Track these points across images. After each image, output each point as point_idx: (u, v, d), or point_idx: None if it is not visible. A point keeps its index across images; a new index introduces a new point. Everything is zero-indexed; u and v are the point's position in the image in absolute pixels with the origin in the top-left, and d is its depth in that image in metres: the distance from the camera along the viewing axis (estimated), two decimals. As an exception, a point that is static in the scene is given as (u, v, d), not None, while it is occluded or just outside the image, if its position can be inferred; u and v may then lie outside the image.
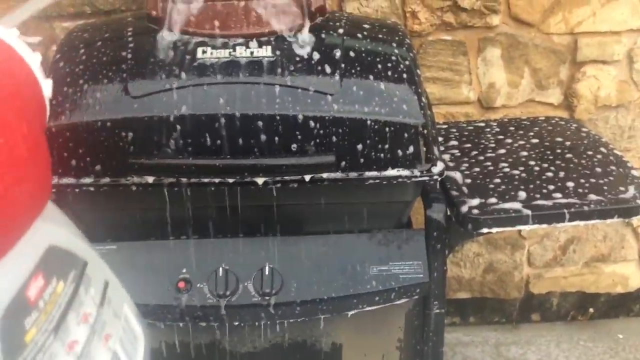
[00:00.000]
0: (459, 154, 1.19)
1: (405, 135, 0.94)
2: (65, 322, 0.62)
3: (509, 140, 1.24)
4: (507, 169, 1.12)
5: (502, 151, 1.19)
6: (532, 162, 1.14)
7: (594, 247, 1.79)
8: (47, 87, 0.71)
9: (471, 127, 1.33)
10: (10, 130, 0.58)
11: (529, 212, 1.00)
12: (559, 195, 1.04)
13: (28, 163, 0.60)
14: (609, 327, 1.85)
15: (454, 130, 1.31)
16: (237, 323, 1.02)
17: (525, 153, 1.18)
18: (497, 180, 1.08)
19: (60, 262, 0.65)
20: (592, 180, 1.08)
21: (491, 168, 1.13)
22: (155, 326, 1.00)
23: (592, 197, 1.03)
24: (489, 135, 1.28)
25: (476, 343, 1.79)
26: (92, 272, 0.70)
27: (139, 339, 0.77)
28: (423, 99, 0.97)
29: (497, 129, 1.31)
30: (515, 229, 1.02)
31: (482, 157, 1.17)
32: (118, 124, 0.91)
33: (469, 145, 1.23)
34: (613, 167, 1.12)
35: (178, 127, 0.90)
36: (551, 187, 1.06)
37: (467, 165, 1.15)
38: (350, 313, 1.02)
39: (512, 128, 1.31)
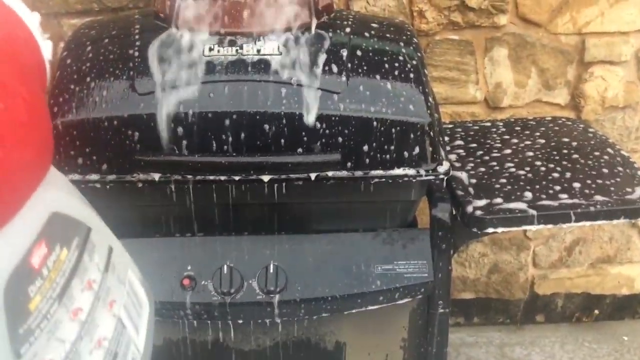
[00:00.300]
0: (464, 154, 1.19)
1: (412, 134, 0.94)
2: (70, 289, 0.61)
3: (515, 140, 1.24)
4: (513, 169, 1.12)
5: (508, 151, 1.19)
6: (538, 163, 1.14)
7: (599, 248, 1.79)
8: (46, 48, 0.69)
9: (477, 127, 1.33)
10: (10, 94, 0.57)
11: (534, 212, 1.00)
12: (564, 195, 1.03)
13: (28, 127, 0.58)
14: (614, 328, 1.84)
15: (460, 129, 1.31)
16: (241, 321, 1.02)
17: (531, 153, 1.18)
18: (503, 180, 1.08)
19: (63, 228, 0.64)
20: (599, 180, 1.07)
21: (497, 168, 1.13)
22: (160, 323, 1.01)
23: (598, 197, 1.03)
24: (494, 135, 1.27)
25: (480, 344, 1.78)
26: (96, 238, 0.69)
27: (143, 304, 0.76)
28: (430, 99, 0.97)
29: (503, 129, 1.30)
30: (521, 229, 1.02)
31: (487, 157, 1.17)
32: (124, 121, 0.91)
33: (474, 145, 1.23)
34: (620, 168, 1.11)
35: (184, 124, 0.90)
36: (557, 187, 1.06)
37: (472, 165, 1.14)
38: (354, 312, 1.02)
39: (518, 128, 1.30)
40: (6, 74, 0.58)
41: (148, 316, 0.76)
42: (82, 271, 0.64)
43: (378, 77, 0.96)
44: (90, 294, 0.65)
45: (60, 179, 0.71)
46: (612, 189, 1.05)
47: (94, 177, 0.94)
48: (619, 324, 1.86)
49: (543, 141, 1.23)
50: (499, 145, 1.22)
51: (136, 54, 0.96)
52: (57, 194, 0.66)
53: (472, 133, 1.29)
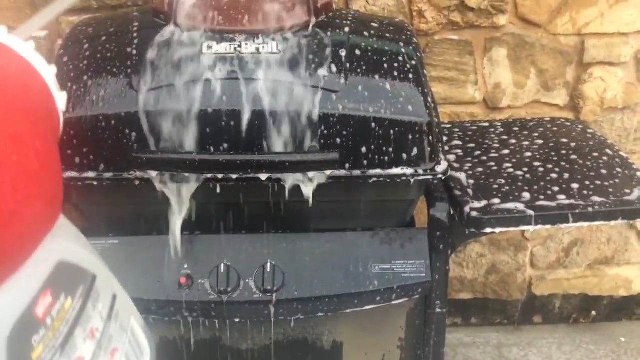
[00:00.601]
0: (462, 154, 1.19)
1: (410, 133, 0.94)
2: (72, 338, 0.62)
3: (514, 141, 1.24)
4: (511, 170, 1.12)
5: (506, 152, 1.19)
6: (536, 163, 1.14)
7: (597, 249, 1.79)
8: (61, 100, 0.70)
9: (475, 127, 1.32)
10: (23, 146, 0.57)
11: (532, 212, 0.99)
12: (563, 196, 1.03)
13: (40, 179, 0.59)
14: (611, 330, 1.84)
15: (458, 130, 1.30)
16: (238, 320, 1.01)
17: (529, 154, 1.18)
18: (501, 181, 1.08)
19: (69, 277, 0.64)
20: (597, 182, 1.07)
21: (495, 168, 1.12)
22: (156, 321, 1.00)
23: (597, 198, 1.02)
24: (493, 136, 1.27)
25: (478, 344, 1.78)
26: (101, 285, 0.69)
27: (145, 351, 0.77)
28: (429, 98, 0.97)
29: (501, 130, 1.30)
30: (519, 229, 1.02)
31: (485, 158, 1.17)
32: (122, 118, 0.91)
33: (472, 145, 1.23)
34: (618, 169, 1.11)
35: (181, 122, 0.90)
36: (555, 188, 1.06)
37: (470, 165, 1.14)
38: (351, 311, 1.02)
39: (516, 128, 1.30)
40: (21, 125, 0.58)
41: None
42: (86, 320, 0.65)
43: (377, 76, 0.96)
44: (92, 343, 0.65)
45: (67, 225, 0.72)
46: (610, 190, 1.05)
47: (91, 174, 0.93)
48: (616, 326, 1.86)
49: (541, 142, 1.23)
50: (497, 145, 1.22)
51: (134, 51, 0.95)
52: (64, 242, 0.66)
53: (470, 133, 1.29)
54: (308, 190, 0.92)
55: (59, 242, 0.64)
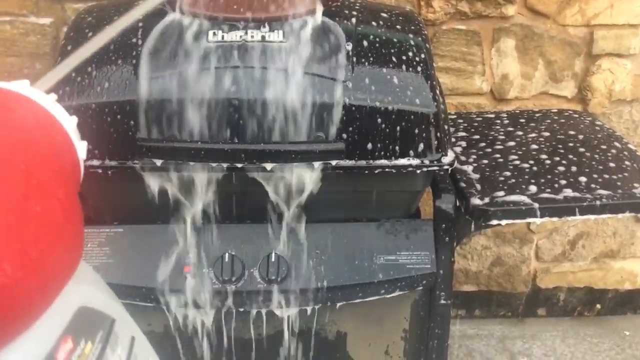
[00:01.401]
0: (466, 145, 1.18)
1: (417, 124, 0.93)
2: None
3: (520, 133, 1.23)
4: (517, 162, 1.11)
5: (512, 143, 1.18)
6: (543, 156, 1.13)
7: (603, 242, 1.78)
8: (82, 149, 0.71)
9: (480, 119, 1.31)
10: (47, 196, 0.59)
11: (538, 205, 0.99)
12: (569, 189, 1.03)
13: (63, 228, 0.60)
14: (615, 323, 1.84)
15: (462, 121, 1.30)
16: (242, 309, 1.01)
17: (535, 146, 1.17)
18: (507, 173, 1.07)
19: (89, 322, 0.66)
20: (604, 174, 1.06)
21: (501, 160, 1.12)
22: (160, 310, 1.00)
23: (604, 191, 1.02)
24: (498, 127, 1.26)
25: (481, 336, 1.78)
26: (119, 329, 0.71)
27: None
28: (436, 89, 0.96)
29: (507, 121, 1.29)
30: (525, 221, 1.01)
31: (490, 149, 1.16)
32: (126, 106, 0.91)
33: (477, 136, 1.22)
34: (627, 162, 1.10)
35: (186, 110, 0.90)
36: (562, 180, 1.05)
37: (476, 157, 1.13)
38: (355, 302, 1.01)
39: (522, 120, 1.29)
40: (44, 176, 0.60)
41: None
42: None
43: (384, 66, 0.95)
44: None
45: (87, 270, 0.74)
46: (618, 183, 1.04)
47: (96, 162, 0.93)
48: (620, 319, 1.86)
49: (548, 134, 1.22)
50: (503, 137, 1.21)
51: (139, 39, 0.95)
52: (85, 287, 0.68)
53: (475, 124, 1.28)
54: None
55: (79, 287, 0.65)
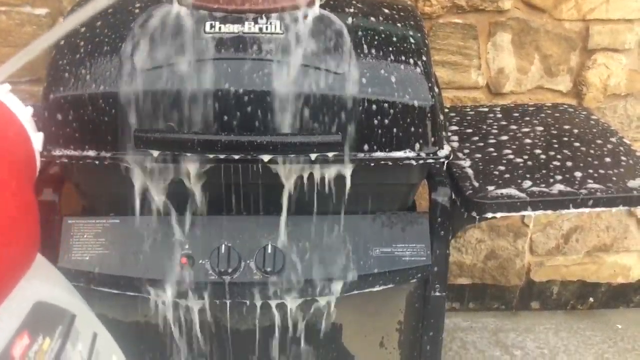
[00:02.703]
0: (458, 139, 1.18)
1: (413, 117, 0.93)
2: None
3: (514, 127, 1.23)
4: (512, 156, 1.11)
5: (506, 137, 1.18)
6: (537, 150, 1.13)
7: (596, 236, 1.79)
8: (37, 140, 0.69)
9: (473, 112, 1.32)
10: None
11: (533, 198, 0.99)
12: (564, 182, 1.03)
13: (16, 222, 0.59)
14: (608, 317, 1.85)
15: (454, 114, 1.30)
16: (238, 300, 1.02)
17: (529, 140, 1.17)
18: (501, 167, 1.07)
19: (47, 318, 0.64)
20: (600, 169, 1.07)
21: (495, 154, 1.12)
22: (157, 301, 1.01)
23: (598, 185, 1.02)
24: (491, 121, 1.27)
25: (475, 329, 1.79)
26: (81, 325, 0.69)
27: None
28: (433, 82, 0.96)
29: (501, 115, 1.29)
30: (520, 214, 1.02)
31: (483, 143, 1.16)
32: (122, 97, 0.90)
33: (470, 130, 1.22)
34: (623, 158, 1.11)
35: (183, 101, 0.89)
36: (557, 174, 1.05)
37: (471, 150, 1.14)
38: (351, 294, 1.02)
39: (516, 114, 1.30)
40: None
41: None
42: None
43: (381, 58, 0.95)
44: None
45: (46, 266, 0.71)
46: (614, 178, 1.04)
47: (92, 153, 0.93)
48: (613, 313, 1.87)
49: (542, 128, 1.22)
50: (497, 131, 1.22)
51: (136, 30, 0.94)
52: (41, 282, 0.66)
53: (468, 118, 1.28)
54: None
55: (35, 283, 0.63)
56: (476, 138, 1.19)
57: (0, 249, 0.56)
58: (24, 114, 0.68)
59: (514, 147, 1.14)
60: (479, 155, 1.11)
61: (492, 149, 1.14)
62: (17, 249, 0.59)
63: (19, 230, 0.60)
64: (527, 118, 1.28)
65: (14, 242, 0.59)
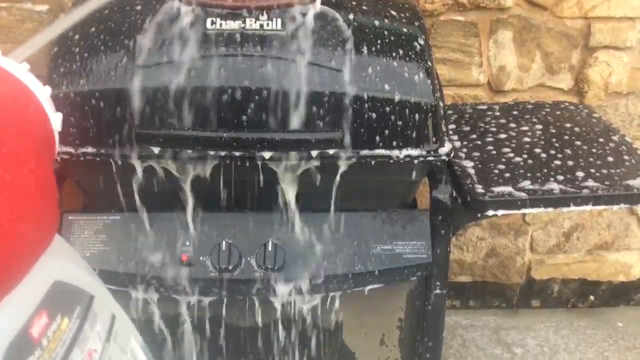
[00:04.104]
0: (457, 138, 1.18)
1: (415, 114, 0.93)
2: (69, 359, 0.61)
3: (513, 125, 1.23)
4: (512, 154, 1.11)
5: (506, 135, 1.18)
6: (537, 149, 1.13)
7: (597, 235, 1.79)
8: (56, 120, 0.70)
9: (471, 110, 1.31)
10: (18, 166, 0.57)
11: (534, 196, 0.99)
12: (565, 181, 1.03)
13: (35, 198, 0.59)
14: (609, 315, 1.85)
15: (452, 112, 1.29)
16: (238, 297, 1.02)
17: (529, 139, 1.17)
18: (501, 166, 1.07)
19: (65, 297, 0.64)
20: (600, 166, 1.07)
21: (494, 153, 1.12)
22: (157, 298, 1.01)
23: (599, 183, 1.02)
24: (490, 119, 1.26)
25: (476, 327, 1.79)
26: (99, 306, 0.69)
27: None
28: (435, 80, 0.96)
29: (500, 113, 1.29)
30: (521, 212, 1.01)
31: (480, 142, 1.16)
32: (123, 93, 0.90)
33: (468, 128, 1.22)
34: (626, 157, 1.10)
35: (184, 98, 0.89)
36: (557, 172, 1.05)
37: (471, 148, 1.14)
38: (352, 291, 1.02)
39: (516, 112, 1.29)
40: (15, 144, 0.59)
41: None
42: (83, 341, 0.64)
43: (383, 56, 0.95)
44: None
45: (64, 246, 0.72)
46: (616, 178, 1.04)
47: (91, 150, 0.93)
48: (613, 311, 1.87)
49: (543, 126, 1.22)
50: (494, 129, 1.21)
51: (137, 26, 0.94)
52: (61, 261, 0.66)
53: (466, 116, 1.28)
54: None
55: (55, 262, 0.63)
56: (474, 136, 1.18)
57: (19, 226, 0.56)
58: (43, 93, 0.68)
59: (513, 145, 1.14)
60: (478, 154, 1.11)
61: (491, 147, 1.14)
62: (35, 226, 0.59)
63: (37, 207, 0.60)
64: (527, 116, 1.27)
65: (33, 219, 0.59)
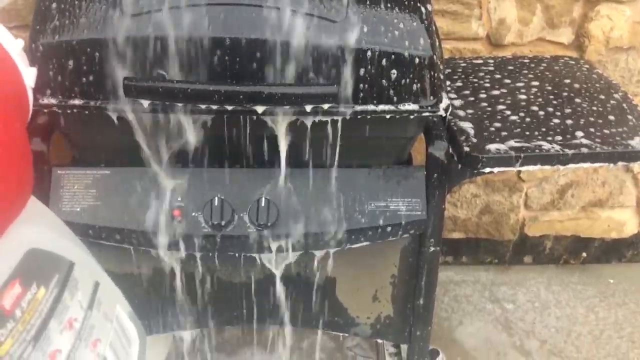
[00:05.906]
0: (454, 94, 1.16)
1: (412, 68, 0.91)
2: (47, 330, 0.59)
3: (508, 81, 1.20)
4: (508, 112, 1.09)
5: (499, 92, 1.16)
6: (534, 107, 1.11)
7: (592, 192, 1.78)
8: (29, 76, 0.65)
9: (465, 64, 1.28)
10: None
11: (530, 152, 0.98)
12: (564, 138, 1.01)
13: (4, 160, 0.55)
14: (600, 271, 1.87)
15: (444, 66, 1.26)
16: (231, 253, 1.01)
17: (525, 96, 1.14)
18: (498, 124, 1.05)
19: (41, 266, 0.61)
20: (601, 124, 1.05)
21: (489, 110, 1.10)
22: (148, 254, 1.00)
23: (598, 141, 1.01)
24: (484, 74, 1.23)
25: (467, 282, 1.81)
26: (80, 273, 0.66)
27: (133, 340, 0.74)
28: (433, 32, 0.93)
29: (493, 68, 1.26)
30: (517, 169, 1.00)
31: (473, 98, 1.14)
32: (111, 44, 0.87)
33: (460, 84, 1.19)
34: (629, 116, 1.09)
35: (174, 48, 0.86)
36: (557, 130, 1.04)
37: (462, 105, 1.11)
38: (345, 248, 1.01)
39: (511, 67, 1.26)
40: None
41: (138, 353, 0.74)
42: (62, 310, 0.61)
43: (379, 7, 0.91)
44: (70, 334, 0.61)
45: (42, 211, 0.67)
46: (617, 138, 1.02)
47: (79, 102, 0.90)
48: (605, 267, 1.89)
49: (540, 82, 1.20)
50: (488, 85, 1.19)
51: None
52: (36, 229, 0.62)
53: (459, 71, 1.25)
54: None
55: (30, 229, 0.60)
56: (467, 92, 1.16)
57: None
58: (14, 46, 0.64)
59: (509, 102, 1.12)
60: (472, 111, 1.09)
61: (485, 104, 1.11)
62: (6, 189, 0.56)
63: (7, 170, 0.56)
64: (525, 71, 1.24)
65: (4, 180, 0.56)
